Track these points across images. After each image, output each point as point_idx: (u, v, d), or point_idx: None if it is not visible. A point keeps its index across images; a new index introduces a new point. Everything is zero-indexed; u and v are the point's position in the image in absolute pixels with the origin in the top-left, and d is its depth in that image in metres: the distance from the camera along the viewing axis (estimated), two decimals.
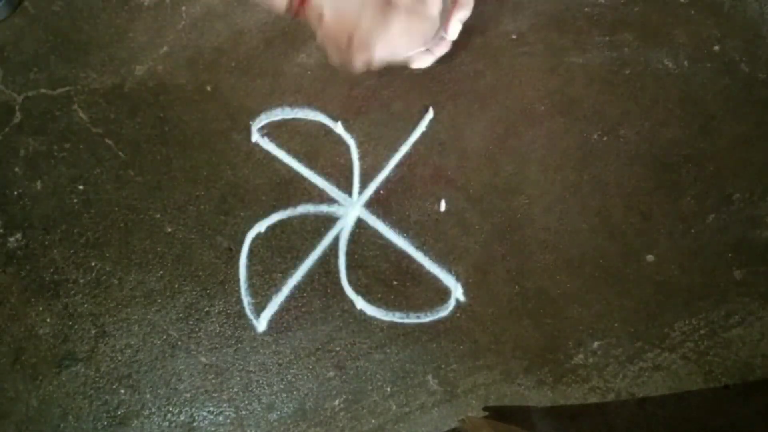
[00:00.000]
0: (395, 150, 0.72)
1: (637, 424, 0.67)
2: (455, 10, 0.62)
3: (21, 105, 0.71)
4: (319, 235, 0.70)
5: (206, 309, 0.68)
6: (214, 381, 0.67)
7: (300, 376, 0.67)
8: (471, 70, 0.73)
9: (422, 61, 0.65)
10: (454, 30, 0.63)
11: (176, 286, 0.68)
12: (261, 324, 0.68)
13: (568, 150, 0.72)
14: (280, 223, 0.70)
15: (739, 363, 0.68)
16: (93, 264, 0.69)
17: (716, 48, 0.75)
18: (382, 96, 0.72)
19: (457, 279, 0.69)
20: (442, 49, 0.65)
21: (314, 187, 0.71)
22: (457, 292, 0.68)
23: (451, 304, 0.68)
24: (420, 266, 0.69)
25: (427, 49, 0.64)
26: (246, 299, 0.68)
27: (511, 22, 0.75)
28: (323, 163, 0.71)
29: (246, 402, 0.66)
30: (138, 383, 0.67)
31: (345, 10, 0.52)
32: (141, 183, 0.70)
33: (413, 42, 0.58)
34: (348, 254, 0.69)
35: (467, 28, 0.74)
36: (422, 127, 0.72)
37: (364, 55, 0.54)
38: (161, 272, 0.69)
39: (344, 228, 0.70)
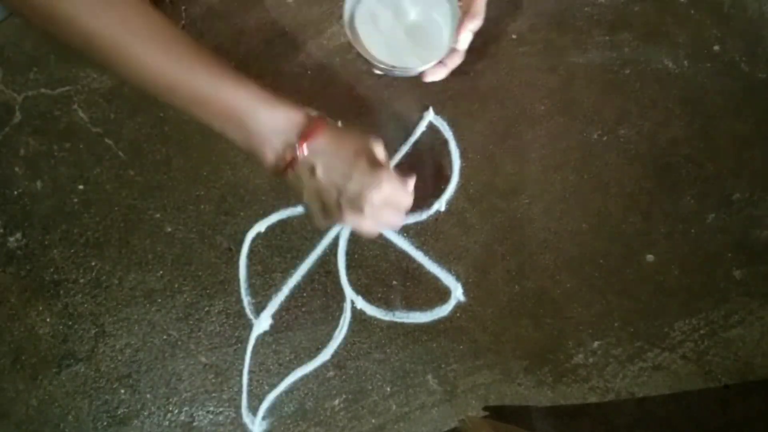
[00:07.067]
0: (395, 150, 0.72)
1: (637, 423, 0.67)
2: (467, 20, 0.62)
3: (21, 105, 0.71)
4: (319, 235, 0.70)
5: (206, 309, 0.68)
6: (214, 381, 0.67)
7: (300, 376, 0.67)
8: (471, 70, 0.73)
9: (436, 74, 0.65)
10: (465, 40, 0.63)
11: (176, 286, 0.68)
12: (261, 324, 0.68)
13: (568, 150, 0.72)
14: (280, 223, 0.70)
15: (739, 363, 0.68)
16: (93, 264, 0.69)
17: (716, 48, 0.75)
18: (382, 96, 0.72)
19: (457, 279, 0.69)
20: (455, 60, 0.65)
21: None
22: (457, 292, 0.68)
23: (451, 304, 0.68)
24: (420, 266, 0.69)
25: (441, 62, 0.64)
26: (246, 299, 0.68)
27: (511, 22, 0.75)
28: None
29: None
30: (138, 383, 0.66)
31: (336, 166, 0.53)
32: (141, 183, 0.70)
33: (395, 213, 0.58)
34: (348, 254, 0.69)
35: None
36: (422, 127, 0.72)
37: (351, 213, 0.55)
38: (161, 272, 0.69)
39: (344, 228, 0.70)
